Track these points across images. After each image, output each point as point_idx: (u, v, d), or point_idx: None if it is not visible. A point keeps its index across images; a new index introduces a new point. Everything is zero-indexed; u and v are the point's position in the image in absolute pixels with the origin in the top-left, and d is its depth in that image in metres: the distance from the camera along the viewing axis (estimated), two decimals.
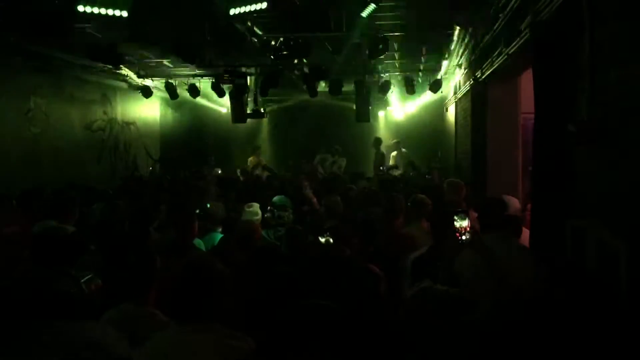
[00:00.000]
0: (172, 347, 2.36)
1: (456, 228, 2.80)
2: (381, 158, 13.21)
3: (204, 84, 11.60)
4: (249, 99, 12.63)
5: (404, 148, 13.45)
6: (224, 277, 2.58)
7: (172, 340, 2.39)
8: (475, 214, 3.95)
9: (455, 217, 2.81)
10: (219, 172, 11.17)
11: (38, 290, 2.11)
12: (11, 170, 7.99)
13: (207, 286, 2.51)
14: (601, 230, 3.06)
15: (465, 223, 2.79)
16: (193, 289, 2.50)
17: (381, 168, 12.13)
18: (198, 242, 4.56)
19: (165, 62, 10.31)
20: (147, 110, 13.24)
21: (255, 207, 5.44)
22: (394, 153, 13.34)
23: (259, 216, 5.38)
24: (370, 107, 12.26)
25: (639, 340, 2.15)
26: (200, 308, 2.46)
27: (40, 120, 8.96)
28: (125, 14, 6.08)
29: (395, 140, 13.87)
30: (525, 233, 4.50)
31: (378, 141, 13.55)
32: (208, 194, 6.86)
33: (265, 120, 15.20)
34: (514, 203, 4.47)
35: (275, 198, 5.61)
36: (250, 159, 13.03)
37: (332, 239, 3.57)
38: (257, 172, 11.18)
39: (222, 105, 14.06)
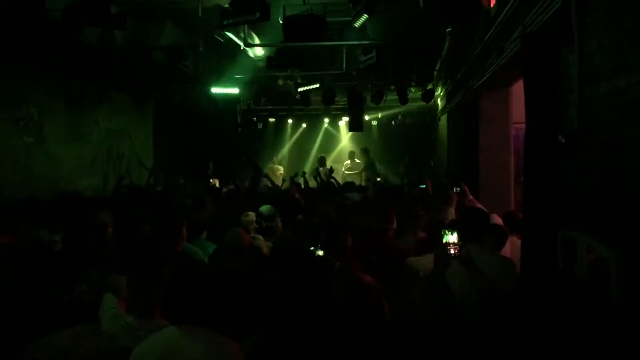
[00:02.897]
0: (165, 348, 2.35)
1: (445, 242, 2.94)
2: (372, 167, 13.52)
3: None
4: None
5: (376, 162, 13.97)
6: (213, 279, 2.57)
7: (165, 342, 2.38)
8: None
9: (444, 232, 2.95)
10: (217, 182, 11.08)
11: None
12: (3, 179, 7.94)
13: (197, 289, 2.49)
14: (591, 240, 3.08)
15: (453, 238, 2.92)
16: (184, 291, 2.48)
17: (378, 180, 12.26)
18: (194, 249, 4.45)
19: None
20: (140, 119, 13.21)
21: (251, 215, 5.40)
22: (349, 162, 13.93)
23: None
24: (363, 116, 12.33)
25: (628, 347, 2.17)
26: (192, 311, 2.45)
27: (33, 129, 8.92)
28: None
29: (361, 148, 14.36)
30: (517, 242, 4.54)
31: (366, 152, 13.95)
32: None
33: None
34: (496, 220, 4.67)
35: (262, 208, 5.48)
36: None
37: (323, 251, 3.56)
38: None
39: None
